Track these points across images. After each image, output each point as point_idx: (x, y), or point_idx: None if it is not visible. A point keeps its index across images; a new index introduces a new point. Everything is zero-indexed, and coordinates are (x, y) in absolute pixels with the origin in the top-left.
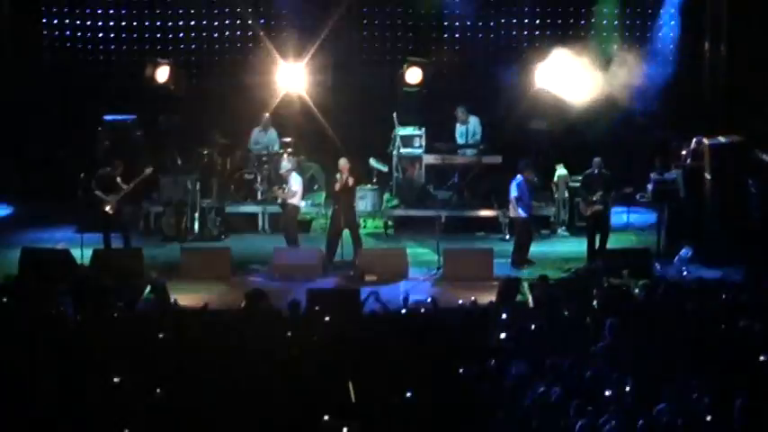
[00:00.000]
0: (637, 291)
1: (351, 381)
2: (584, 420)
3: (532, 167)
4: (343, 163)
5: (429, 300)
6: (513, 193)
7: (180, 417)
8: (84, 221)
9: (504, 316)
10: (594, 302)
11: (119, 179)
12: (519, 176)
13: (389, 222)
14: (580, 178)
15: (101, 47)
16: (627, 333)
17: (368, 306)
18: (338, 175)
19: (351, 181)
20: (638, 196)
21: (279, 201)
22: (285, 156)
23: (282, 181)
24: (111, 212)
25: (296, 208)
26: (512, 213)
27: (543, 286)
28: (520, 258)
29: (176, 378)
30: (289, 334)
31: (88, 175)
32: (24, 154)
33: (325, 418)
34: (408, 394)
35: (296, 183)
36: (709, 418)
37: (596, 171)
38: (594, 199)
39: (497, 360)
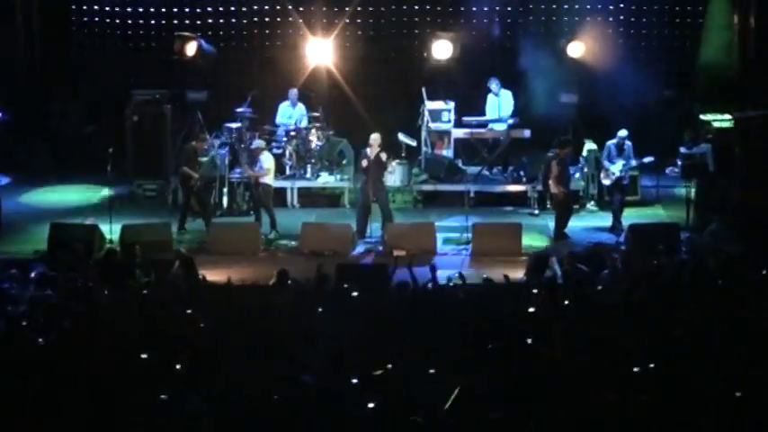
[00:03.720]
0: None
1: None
2: None
3: (569, 144)
4: (374, 137)
5: (457, 275)
6: (555, 171)
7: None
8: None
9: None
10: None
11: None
12: (556, 151)
13: (418, 197)
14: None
15: (129, 21)
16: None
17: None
18: (368, 150)
19: (383, 155)
20: (667, 170)
21: (251, 180)
22: (257, 135)
23: (254, 159)
24: (195, 186)
25: (269, 186)
26: (553, 189)
27: (572, 261)
28: (557, 232)
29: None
30: (320, 309)
31: (116, 150)
32: (53, 130)
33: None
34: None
35: (267, 161)
36: None
37: (618, 141)
38: (613, 169)
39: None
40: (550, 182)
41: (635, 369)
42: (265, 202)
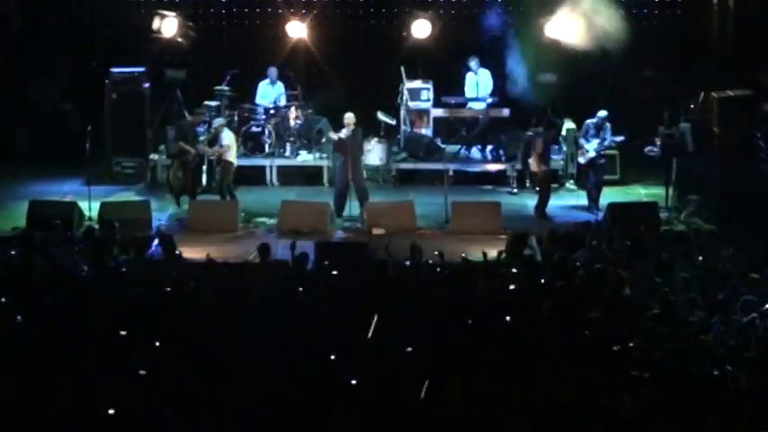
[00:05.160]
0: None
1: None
2: None
3: (556, 125)
4: (349, 117)
5: (436, 253)
6: (539, 149)
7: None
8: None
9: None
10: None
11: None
12: (540, 130)
13: (397, 176)
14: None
15: None
16: None
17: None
18: (343, 130)
19: (358, 134)
20: (646, 150)
21: (214, 158)
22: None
23: (215, 137)
24: (194, 162)
25: (230, 164)
26: (534, 168)
27: (551, 240)
28: (539, 210)
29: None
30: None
31: (95, 128)
32: (31, 108)
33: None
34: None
35: (227, 138)
36: None
37: (597, 121)
38: (588, 147)
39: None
40: (531, 160)
41: (615, 348)
42: (226, 180)
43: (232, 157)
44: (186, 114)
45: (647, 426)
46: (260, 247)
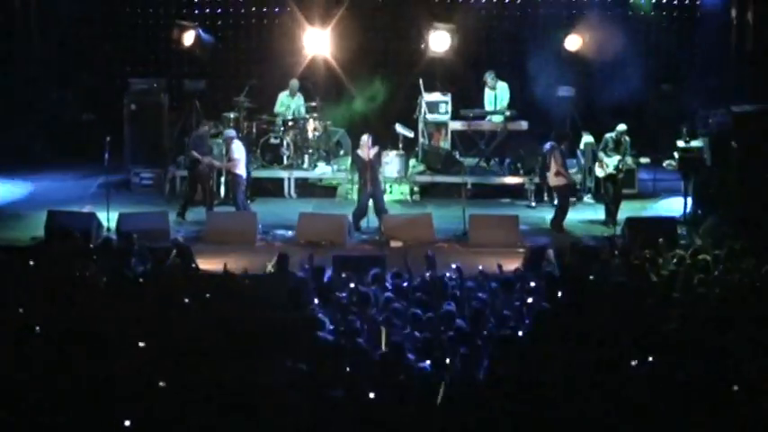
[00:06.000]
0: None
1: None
2: None
3: (568, 136)
4: (365, 140)
5: (454, 266)
6: (558, 160)
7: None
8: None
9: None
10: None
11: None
12: (554, 143)
13: (415, 188)
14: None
15: (127, 10)
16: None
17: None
18: (362, 152)
19: (372, 153)
20: (664, 164)
21: (222, 171)
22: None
23: (226, 149)
24: (203, 172)
25: (239, 176)
26: (553, 181)
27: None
28: (559, 224)
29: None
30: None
31: (113, 139)
32: (50, 119)
33: None
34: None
35: (237, 151)
36: None
37: (616, 136)
38: (609, 163)
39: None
40: (551, 173)
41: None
42: (237, 192)
43: (241, 169)
44: (204, 125)
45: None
46: (279, 256)
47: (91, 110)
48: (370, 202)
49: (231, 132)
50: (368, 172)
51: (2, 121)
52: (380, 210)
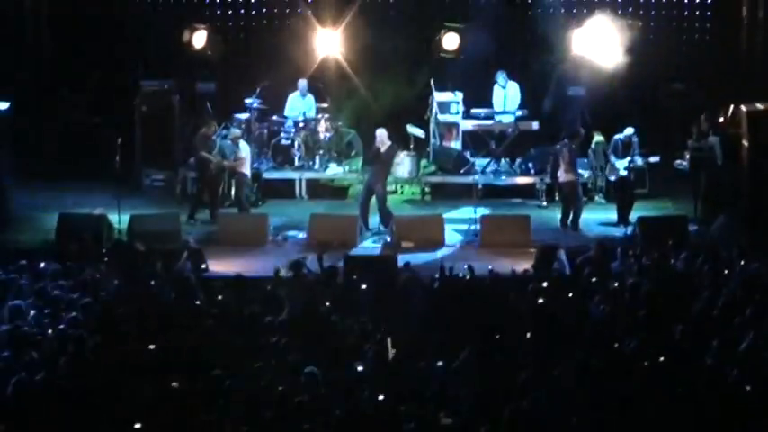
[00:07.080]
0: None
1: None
2: None
3: (579, 135)
4: (380, 133)
5: (466, 266)
6: (567, 159)
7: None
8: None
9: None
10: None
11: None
12: (566, 141)
13: (426, 189)
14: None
15: (138, 11)
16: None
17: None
18: (380, 146)
19: (383, 148)
20: (675, 163)
21: (227, 170)
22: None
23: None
24: (212, 173)
25: (244, 176)
26: (563, 179)
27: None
28: (574, 223)
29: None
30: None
31: (125, 141)
32: (61, 121)
33: None
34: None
35: (244, 150)
36: None
37: (624, 138)
38: (618, 165)
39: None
40: (560, 171)
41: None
42: (241, 192)
43: (246, 169)
44: (216, 127)
45: None
46: (292, 263)
47: (101, 112)
48: (373, 200)
49: (237, 131)
50: (382, 166)
51: (14, 123)
52: (379, 209)
